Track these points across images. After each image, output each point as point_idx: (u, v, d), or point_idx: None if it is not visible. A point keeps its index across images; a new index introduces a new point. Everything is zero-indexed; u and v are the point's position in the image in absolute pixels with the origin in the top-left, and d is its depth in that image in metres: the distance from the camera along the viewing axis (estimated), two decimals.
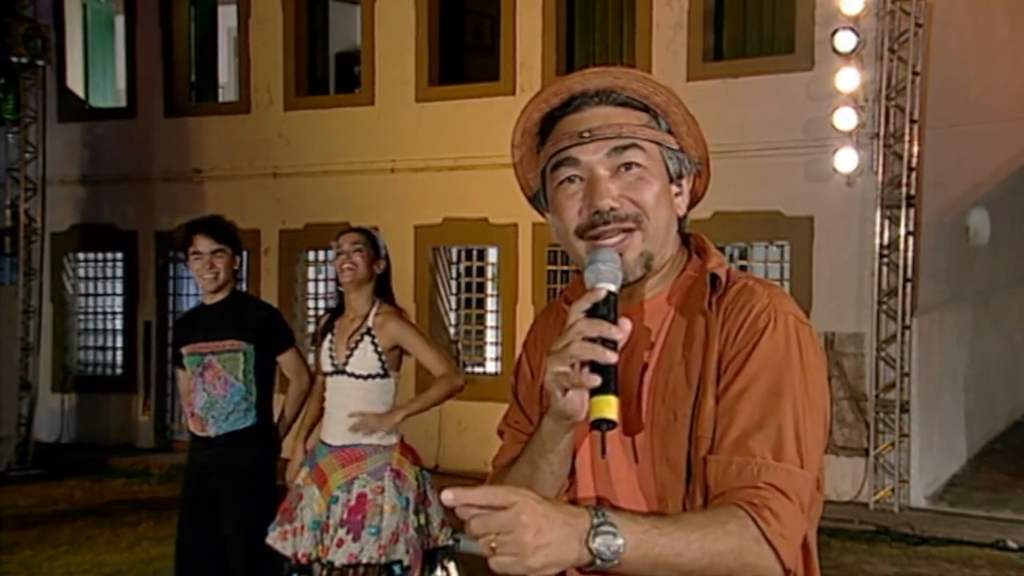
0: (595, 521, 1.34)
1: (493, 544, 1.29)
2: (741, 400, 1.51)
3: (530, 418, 1.74)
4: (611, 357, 1.42)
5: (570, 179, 1.59)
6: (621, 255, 1.55)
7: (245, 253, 5.89)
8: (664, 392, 1.56)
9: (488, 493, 1.31)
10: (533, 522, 1.29)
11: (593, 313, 1.44)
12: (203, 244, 4.50)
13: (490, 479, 1.71)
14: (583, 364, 1.43)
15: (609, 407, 1.40)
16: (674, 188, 1.64)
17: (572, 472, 1.63)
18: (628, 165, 1.58)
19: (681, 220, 1.66)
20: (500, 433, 1.80)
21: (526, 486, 1.56)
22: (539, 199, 1.69)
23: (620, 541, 1.34)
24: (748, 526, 1.43)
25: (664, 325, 1.61)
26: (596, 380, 1.42)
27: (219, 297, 4.59)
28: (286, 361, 4.63)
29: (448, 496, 1.31)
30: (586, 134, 1.58)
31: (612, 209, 1.56)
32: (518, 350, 1.86)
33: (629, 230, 1.57)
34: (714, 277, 1.61)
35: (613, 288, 1.47)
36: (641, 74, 1.63)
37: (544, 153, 1.64)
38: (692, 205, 1.70)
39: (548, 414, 1.51)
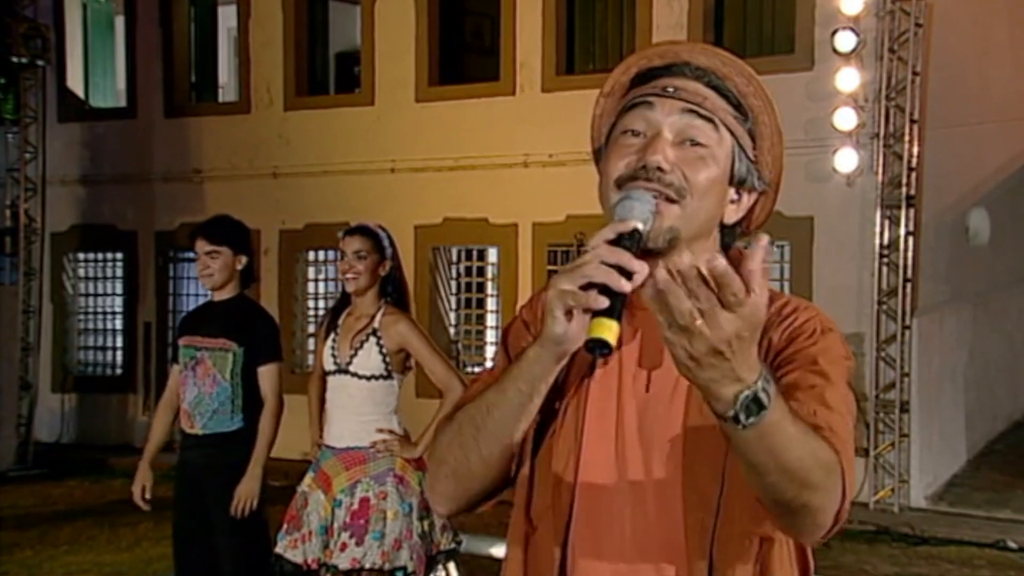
0: (766, 373, 1.25)
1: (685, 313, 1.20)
2: (795, 387, 1.44)
3: None
4: (625, 286, 1.33)
5: (633, 132, 1.51)
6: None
7: None
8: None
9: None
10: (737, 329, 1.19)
11: (616, 243, 1.36)
12: (198, 246, 4.55)
13: (446, 417, 1.59)
14: (593, 286, 1.34)
15: (609, 330, 1.32)
16: (731, 193, 1.55)
17: (555, 413, 1.54)
18: (695, 142, 1.49)
19: (727, 228, 1.58)
20: (473, 381, 1.69)
21: (486, 412, 1.49)
22: (600, 154, 1.59)
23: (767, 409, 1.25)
24: (834, 454, 1.37)
25: None
26: (604, 302, 1.33)
27: (224, 296, 4.60)
28: (265, 374, 4.55)
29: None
30: (670, 89, 1.51)
31: (660, 169, 1.47)
32: None
33: (669, 199, 1.47)
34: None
35: (642, 227, 1.40)
36: (749, 71, 1.55)
37: (627, 99, 1.56)
38: (747, 228, 1.61)
39: (537, 339, 1.43)
